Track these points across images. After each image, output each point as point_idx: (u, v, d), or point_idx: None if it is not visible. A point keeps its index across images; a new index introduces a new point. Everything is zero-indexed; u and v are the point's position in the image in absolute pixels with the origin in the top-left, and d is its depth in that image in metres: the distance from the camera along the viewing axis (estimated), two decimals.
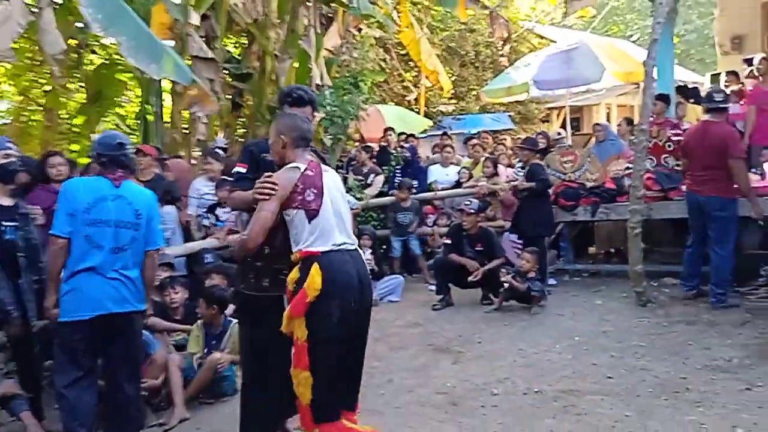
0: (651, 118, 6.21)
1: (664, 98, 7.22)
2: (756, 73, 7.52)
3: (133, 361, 3.53)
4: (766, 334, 4.76)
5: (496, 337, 5.28)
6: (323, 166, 3.08)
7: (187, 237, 6.14)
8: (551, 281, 6.84)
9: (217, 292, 4.66)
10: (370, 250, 6.95)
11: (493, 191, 7.39)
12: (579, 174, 7.38)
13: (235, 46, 11.15)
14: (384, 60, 11.59)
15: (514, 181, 7.03)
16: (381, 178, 8.07)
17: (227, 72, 9.42)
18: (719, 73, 8.60)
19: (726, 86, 8.20)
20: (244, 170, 3.22)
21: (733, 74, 8.15)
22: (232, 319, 4.68)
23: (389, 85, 12.62)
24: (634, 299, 5.83)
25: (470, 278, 6.22)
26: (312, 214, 2.89)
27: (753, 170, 6.59)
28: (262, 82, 9.06)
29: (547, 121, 15.60)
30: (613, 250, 7.64)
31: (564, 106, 12.06)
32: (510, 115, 13.04)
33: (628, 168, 6.76)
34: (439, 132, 10.27)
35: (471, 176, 7.95)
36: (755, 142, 7.33)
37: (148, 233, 3.51)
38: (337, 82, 7.80)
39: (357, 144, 8.95)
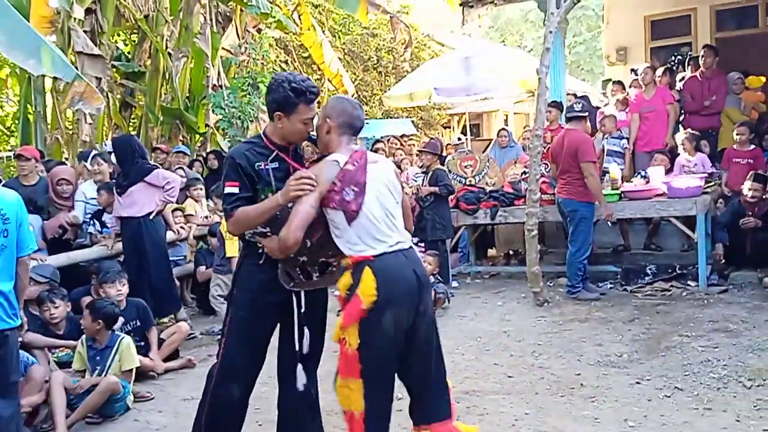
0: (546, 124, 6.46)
1: (557, 105, 7.55)
2: (640, 83, 7.99)
3: (7, 381, 3.18)
4: (653, 329, 5.02)
5: None
6: (372, 156, 2.74)
7: (62, 245, 5.71)
8: (454, 283, 6.93)
9: (104, 307, 4.34)
10: None
11: None
12: (479, 178, 7.55)
13: (125, 43, 10.59)
14: (286, 62, 11.39)
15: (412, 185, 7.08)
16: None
17: (116, 69, 8.91)
18: (610, 80, 9.08)
19: (612, 95, 8.67)
20: (236, 190, 2.73)
21: (618, 83, 8.63)
22: (120, 334, 4.38)
23: None
24: (533, 299, 6.00)
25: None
26: (351, 216, 2.57)
27: (638, 174, 7.01)
28: (155, 80, 8.64)
29: (449, 127, 15.96)
30: (512, 252, 7.86)
31: (465, 112, 12.37)
32: (413, 121, 13.21)
33: (524, 172, 6.97)
34: None
35: None
36: (639, 149, 7.79)
37: (19, 238, 3.18)
38: (235, 82, 7.55)
39: None
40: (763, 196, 6.18)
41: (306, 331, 2.84)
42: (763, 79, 7.64)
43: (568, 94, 9.20)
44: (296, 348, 2.83)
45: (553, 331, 5.19)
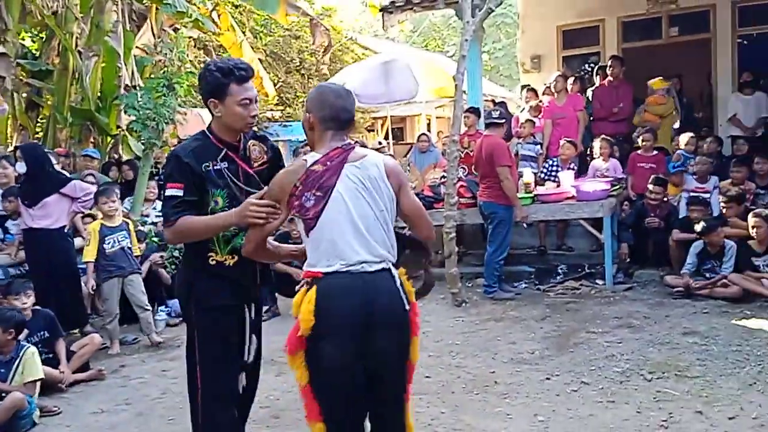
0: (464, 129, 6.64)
1: (475, 111, 7.76)
2: (552, 90, 8.33)
3: None
4: (563, 326, 5.24)
5: None
6: (360, 151, 2.33)
7: None
8: None
9: (13, 316, 4.14)
10: None
11: None
12: None
13: (33, 41, 10.06)
14: (205, 62, 11.12)
15: None
16: None
17: (22, 68, 8.46)
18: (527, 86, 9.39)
19: (526, 101, 8.99)
20: (180, 192, 2.47)
21: (531, 90, 8.97)
22: (25, 344, 4.17)
23: None
24: (452, 300, 6.14)
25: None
26: (308, 225, 2.23)
27: (548, 179, 7.30)
28: (64, 80, 8.25)
29: (373, 130, 16.09)
30: (433, 255, 7.97)
31: (387, 116, 12.49)
32: None
33: (443, 176, 7.12)
34: None
35: None
36: (552, 153, 8.11)
37: None
38: (150, 83, 7.31)
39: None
40: (664, 199, 6.60)
41: (254, 339, 2.77)
42: (665, 82, 8.11)
43: (486, 100, 9.49)
44: (244, 356, 2.73)
45: (470, 331, 5.33)
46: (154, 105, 6.90)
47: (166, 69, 7.92)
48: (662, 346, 4.60)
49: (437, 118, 18.15)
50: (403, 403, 2.39)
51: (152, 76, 8.45)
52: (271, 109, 13.35)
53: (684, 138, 7.23)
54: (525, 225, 6.48)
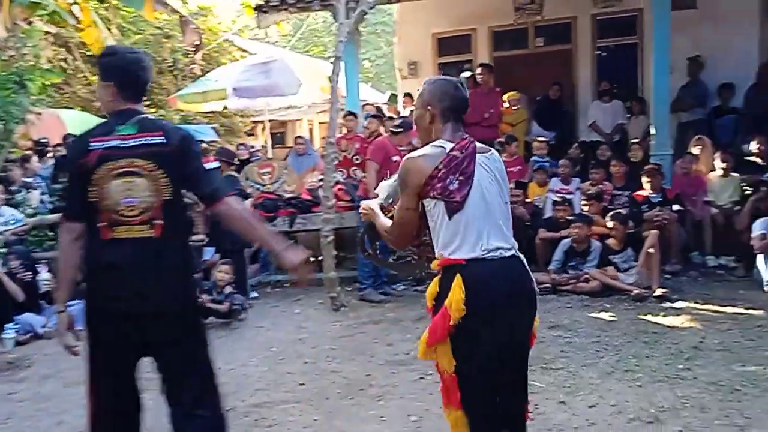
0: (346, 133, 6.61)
1: (353, 115, 7.76)
2: None
3: None
4: None
5: None
6: (480, 145, 2.35)
7: None
8: (253, 294, 6.77)
9: None
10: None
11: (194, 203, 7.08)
12: (277, 185, 7.48)
13: None
14: (65, 60, 10.35)
15: None
16: (36, 194, 7.10)
17: None
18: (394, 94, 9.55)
19: (404, 107, 9.13)
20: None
21: (408, 96, 9.13)
22: None
23: (72, 88, 11.31)
24: (330, 305, 6.06)
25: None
26: (454, 208, 2.20)
27: None
28: None
29: (252, 134, 15.71)
30: (312, 259, 7.86)
31: (267, 120, 12.23)
32: (214, 127, 12.77)
33: (321, 180, 7.04)
34: None
35: None
36: None
37: None
38: None
39: (29, 151, 7.79)
40: (525, 200, 6.93)
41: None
42: (518, 94, 8.55)
43: (367, 105, 9.51)
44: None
45: (348, 335, 5.28)
46: (2, 103, 6.29)
47: (18, 65, 7.26)
48: None
49: (320, 123, 18.08)
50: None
51: (2, 72, 7.71)
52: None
53: (538, 143, 7.67)
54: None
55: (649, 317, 5.13)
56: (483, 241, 2.21)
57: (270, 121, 12.10)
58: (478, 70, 8.59)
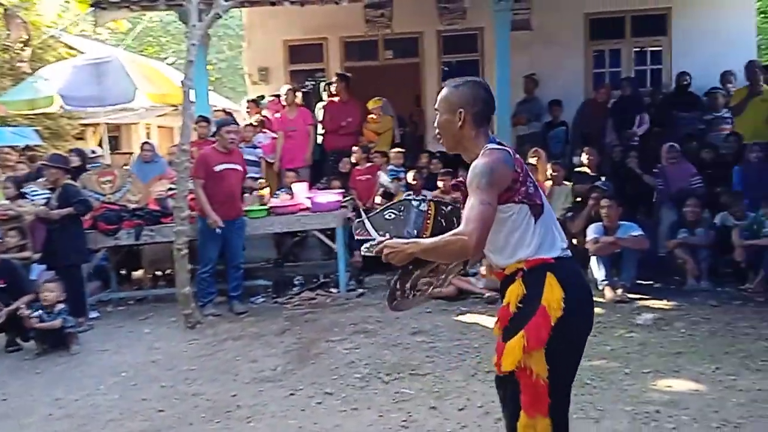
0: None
1: (206, 120, 7.41)
2: (282, 103, 8.39)
3: None
4: (303, 338, 5.20)
5: (25, 389, 4.44)
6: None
7: None
8: (93, 314, 6.19)
9: None
10: None
11: (17, 216, 6.32)
12: (120, 195, 6.92)
13: None
14: None
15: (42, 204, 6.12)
16: None
17: None
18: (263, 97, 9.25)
19: (249, 114, 8.90)
20: None
21: (252, 102, 8.93)
22: None
23: None
24: (184, 322, 5.70)
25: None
26: (538, 211, 2.17)
27: (282, 190, 7.28)
28: None
29: (82, 138, 14.45)
30: (161, 273, 7.37)
31: (100, 123, 11.29)
32: (37, 130, 11.52)
33: (171, 189, 6.62)
34: None
35: None
36: (283, 165, 8.14)
37: None
38: None
39: None
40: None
41: None
42: (380, 101, 8.70)
43: (217, 110, 9.13)
44: None
45: (207, 354, 5.00)
46: None
47: None
48: (395, 347, 4.85)
49: (159, 127, 17.07)
50: None
51: None
52: None
53: (393, 152, 7.87)
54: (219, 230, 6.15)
55: None
56: (558, 241, 2.22)
57: (104, 124, 11.18)
58: (334, 80, 8.62)
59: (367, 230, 2.38)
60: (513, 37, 7.58)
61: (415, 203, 2.39)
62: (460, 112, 2.22)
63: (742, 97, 7.64)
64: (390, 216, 2.39)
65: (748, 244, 5.95)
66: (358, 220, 2.45)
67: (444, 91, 2.30)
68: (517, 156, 2.21)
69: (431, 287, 2.47)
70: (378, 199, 7.02)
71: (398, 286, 2.38)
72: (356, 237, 2.43)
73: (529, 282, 2.14)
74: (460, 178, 2.34)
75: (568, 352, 2.15)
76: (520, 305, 2.14)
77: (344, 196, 6.91)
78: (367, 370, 4.40)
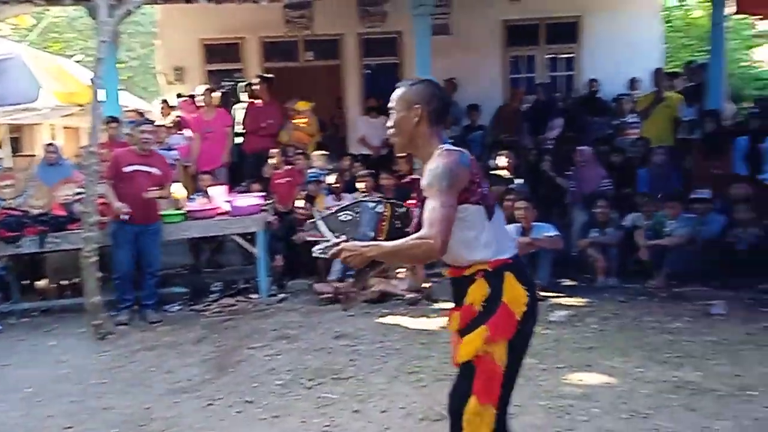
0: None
1: (117, 120, 7.09)
2: (199, 104, 8.16)
3: None
4: (222, 346, 5.05)
5: None
6: None
7: None
8: None
9: None
10: None
11: None
12: (22, 200, 6.51)
13: None
14: None
15: None
16: None
17: None
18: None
19: (163, 115, 8.60)
20: None
21: (164, 102, 8.64)
22: None
23: None
24: (94, 333, 5.42)
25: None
26: (491, 211, 2.23)
27: (198, 194, 7.06)
28: None
29: None
30: (67, 283, 6.97)
31: (0, 125, 10.61)
32: None
33: (79, 193, 6.28)
34: None
35: None
36: (200, 167, 7.89)
37: None
38: None
39: None
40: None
41: None
42: (309, 103, 8.61)
43: (128, 110, 8.75)
44: None
45: (119, 365, 4.77)
46: None
47: None
48: (318, 352, 4.79)
49: (64, 128, 16.19)
50: None
51: None
52: None
53: (315, 155, 7.81)
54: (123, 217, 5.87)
55: (423, 319, 5.46)
56: (510, 241, 2.34)
57: (4, 125, 10.50)
58: (255, 80, 8.45)
59: (320, 231, 2.37)
60: (432, 42, 7.67)
61: (371, 205, 2.43)
62: (417, 108, 2.25)
63: (649, 102, 8.06)
64: (345, 218, 2.40)
65: (651, 245, 6.26)
66: (310, 221, 2.45)
67: (399, 90, 2.32)
68: (472, 157, 2.24)
69: (380, 286, 2.61)
70: (299, 203, 6.92)
71: (355, 288, 2.55)
72: (308, 238, 2.44)
73: (491, 281, 2.21)
74: (415, 176, 2.46)
75: (521, 347, 2.26)
76: (485, 304, 2.21)
77: (265, 200, 6.76)
78: (289, 377, 4.32)
